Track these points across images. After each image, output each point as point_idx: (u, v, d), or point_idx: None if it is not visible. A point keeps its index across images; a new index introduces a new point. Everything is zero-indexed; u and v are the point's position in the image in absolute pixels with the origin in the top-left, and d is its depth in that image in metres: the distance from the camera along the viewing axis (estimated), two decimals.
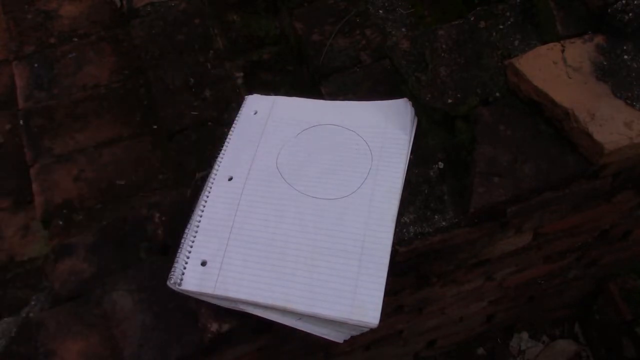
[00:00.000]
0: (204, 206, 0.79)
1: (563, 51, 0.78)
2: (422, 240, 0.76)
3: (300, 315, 0.71)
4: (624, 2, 0.77)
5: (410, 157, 0.81)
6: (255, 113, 0.90)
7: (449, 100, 0.80)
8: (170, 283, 0.73)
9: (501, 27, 0.86)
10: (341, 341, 0.73)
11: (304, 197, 0.79)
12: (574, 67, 0.77)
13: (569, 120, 0.73)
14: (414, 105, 0.85)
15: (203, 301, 0.73)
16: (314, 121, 0.87)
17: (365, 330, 0.70)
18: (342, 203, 0.77)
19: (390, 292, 0.73)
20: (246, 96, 0.93)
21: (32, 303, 0.78)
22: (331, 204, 0.77)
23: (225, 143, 0.86)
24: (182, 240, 0.76)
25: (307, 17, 1.00)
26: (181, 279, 0.72)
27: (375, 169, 0.80)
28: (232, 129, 0.88)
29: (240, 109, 0.91)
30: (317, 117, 0.88)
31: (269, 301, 0.70)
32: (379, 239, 0.74)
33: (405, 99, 0.87)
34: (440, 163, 0.81)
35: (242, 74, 1.03)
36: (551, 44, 0.80)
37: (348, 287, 0.70)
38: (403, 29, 1.01)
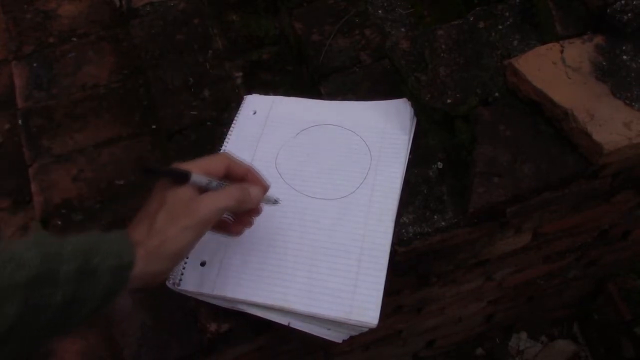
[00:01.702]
0: None
1: (562, 51, 0.78)
2: (421, 241, 0.76)
3: (301, 316, 0.71)
4: (623, 2, 0.77)
5: (409, 157, 0.81)
6: (254, 113, 0.89)
7: (449, 100, 0.80)
8: (169, 283, 0.73)
9: (500, 27, 0.86)
10: (340, 341, 0.73)
11: (303, 197, 0.79)
12: (573, 67, 0.77)
13: (568, 120, 0.73)
14: (413, 105, 0.85)
15: (202, 301, 0.73)
16: (313, 121, 0.87)
17: (365, 330, 0.70)
18: (342, 203, 0.77)
19: (390, 292, 0.73)
20: (245, 96, 0.93)
21: None
22: (330, 204, 0.77)
23: (225, 143, 0.86)
24: None
25: (307, 17, 1.00)
26: (180, 279, 0.72)
27: (374, 169, 0.80)
28: (231, 128, 0.88)
29: (240, 108, 0.91)
30: (316, 117, 0.88)
31: (268, 301, 0.70)
32: (378, 239, 0.74)
33: (404, 99, 0.87)
34: (439, 163, 0.81)
35: (241, 74, 1.02)
36: (550, 44, 0.80)
37: (347, 287, 0.70)
38: (403, 29, 1.01)
